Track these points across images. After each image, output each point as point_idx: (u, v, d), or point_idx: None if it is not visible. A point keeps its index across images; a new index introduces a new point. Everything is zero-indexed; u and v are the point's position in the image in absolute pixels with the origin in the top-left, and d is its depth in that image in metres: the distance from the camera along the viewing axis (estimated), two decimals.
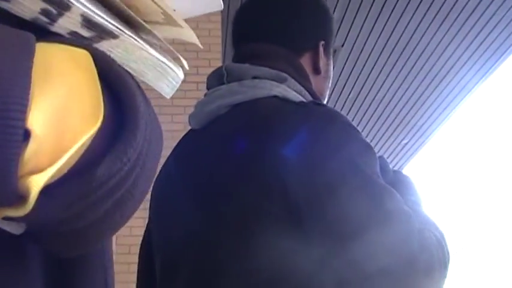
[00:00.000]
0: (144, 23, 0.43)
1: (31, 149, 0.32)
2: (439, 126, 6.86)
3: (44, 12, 0.36)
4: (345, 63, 5.44)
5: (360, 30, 4.97)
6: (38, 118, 0.32)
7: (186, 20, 0.52)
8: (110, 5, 0.40)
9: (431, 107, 6.31)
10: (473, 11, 4.77)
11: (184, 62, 0.47)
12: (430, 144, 7.41)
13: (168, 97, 0.47)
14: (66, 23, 0.38)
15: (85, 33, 0.39)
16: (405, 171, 8.14)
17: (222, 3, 0.49)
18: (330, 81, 1.21)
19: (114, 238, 4.13)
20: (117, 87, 0.37)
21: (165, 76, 0.45)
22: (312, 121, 0.98)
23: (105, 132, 0.36)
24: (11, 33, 0.33)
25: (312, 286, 0.91)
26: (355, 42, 5.13)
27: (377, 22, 4.88)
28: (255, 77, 1.08)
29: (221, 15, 4.57)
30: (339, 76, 5.63)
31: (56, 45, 0.36)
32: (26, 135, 0.32)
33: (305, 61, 1.16)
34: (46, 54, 0.34)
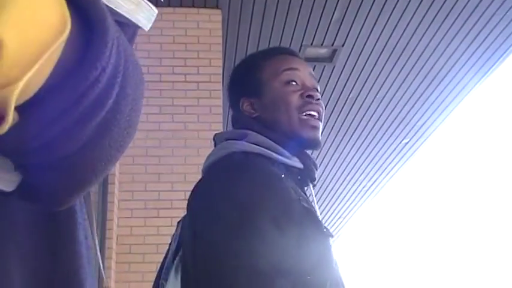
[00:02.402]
0: None
1: (1, 61, 0.32)
2: (439, 126, 6.86)
3: None
4: (345, 63, 5.44)
5: (360, 30, 4.98)
6: (5, 30, 0.32)
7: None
8: None
9: (432, 106, 6.31)
10: (472, 11, 4.78)
11: (153, 7, 0.50)
12: (430, 143, 7.41)
13: (146, 29, 0.49)
14: None
15: None
16: (405, 170, 8.15)
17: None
18: (282, 106, 1.32)
19: (114, 238, 4.14)
20: (83, 3, 0.38)
21: (140, 8, 0.47)
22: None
23: (76, 44, 0.37)
24: None
25: None
26: (355, 42, 5.13)
27: (377, 22, 4.88)
28: (227, 139, 1.31)
29: (221, 15, 4.57)
30: (339, 76, 5.63)
31: None
32: None
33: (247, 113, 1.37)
34: None
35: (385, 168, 7.95)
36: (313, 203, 1.28)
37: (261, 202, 1.13)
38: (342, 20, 4.82)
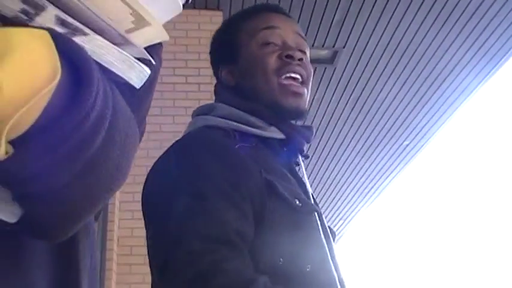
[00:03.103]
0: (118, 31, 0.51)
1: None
2: (440, 128, 6.85)
3: (23, 11, 0.44)
4: (347, 65, 5.44)
5: (361, 32, 4.98)
6: (4, 76, 0.37)
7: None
8: (80, 13, 0.48)
9: (433, 108, 6.31)
10: (474, 13, 4.77)
11: (151, 59, 0.55)
12: (431, 146, 7.41)
13: (137, 86, 0.54)
14: (42, 21, 0.45)
15: (59, 29, 0.46)
16: (407, 173, 8.14)
17: (181, 5, 0.56)
18: (259, 71, 1.19)
19: (115, 239, 4.13)
20: (73, 57, 0.44)
21: (132, 69, 0.52)
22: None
23: (64, 90, 0.42)
24: None
25: None
26: (356, 44, 5.13)
27: (378, 24, 4.88)
28: (197, 115, 1.23)
29: (223, 16, 4.57)
30: (341, 78, 5.63)
31: (18, 27, 0.42)
32: None
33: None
34: (8, 31, 0.40)
35: (386, 170, 7.95)
36: (303, 178, 1.18)
37: (208, 176, 1.02)
38: (343, 21, 4.82)
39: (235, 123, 1.14)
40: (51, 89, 0.40)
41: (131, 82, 0.52)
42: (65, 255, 0.55)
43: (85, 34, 0.47)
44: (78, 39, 0.47)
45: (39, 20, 0.45)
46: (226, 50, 1.26)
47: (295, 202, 1.05)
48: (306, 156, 1.24)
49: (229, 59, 1.24)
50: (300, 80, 1.19)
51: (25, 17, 0.44)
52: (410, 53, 5.30)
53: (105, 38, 0.50)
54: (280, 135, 1.16)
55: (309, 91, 1.22)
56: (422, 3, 4.62)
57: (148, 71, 0.53)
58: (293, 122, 1.21)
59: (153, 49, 0.73)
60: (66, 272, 0.55)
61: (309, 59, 1.25)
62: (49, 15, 0.45)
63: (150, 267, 1.04)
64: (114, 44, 0.51)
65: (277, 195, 1.03)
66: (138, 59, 0.53)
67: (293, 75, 1.17)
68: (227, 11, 4.58)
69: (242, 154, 1.07)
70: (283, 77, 1.17)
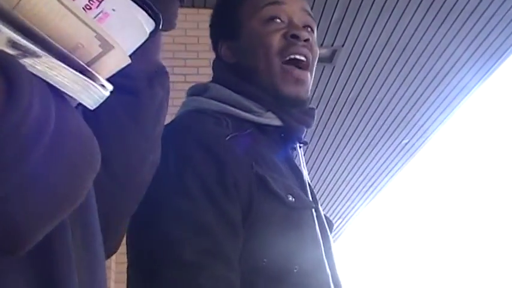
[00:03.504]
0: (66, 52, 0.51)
1: None
2: (440, 126, 6.85)
3: None
4: (345, 63, 5.43)
5: (360, 30, 4.97)
6: None
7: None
8: (36, 38, 0.49)
9: (432, 106, 6.30)
10: (473, 11, 4.77)
11: (106, 84, 0.54)
12: (430, 144, 7.41)
13: (90, 108, 0.53)
14: None
15: (10, 51, 0.47)
16: (405, 171, 8.14)
17: (147, 33, 0.56)
18: (261, 50, 1.11)
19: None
20: (8, 71, 0.44)
21: (85, 89, 0.51)
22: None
23: None
24: None
25: None
26: (355, 42, 5.12)
27: (377, 22, 4.87)
28: (191, 94, 1.15)
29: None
30: (339, 76, 5.62)
31: None
32: None
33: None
34: None
35: (385, 169, 7.95)
36: (298, 165, 1.11)
37: (195, 171, 0.95)
38: (342, 20, 4.81)
39: (229, 107, 1.07)
40: None
41: (84, 103, 0.52)
42: (39, 260, 0.52)
43: (37, 56, 0.48)
44: (28, 61, 0.47)
45: None
46: (226, 24, 1.17)
47: (288, 198, 0.99)
48: (305, 143, 1.16)
49: (229, 34, 1.15)
50: (305, 61, 1.10)
51: None
52: (409, 51, 5.30)
53: (69, 65, 0.50)
54: (277, 122, 1.09)
55: (312, 75, 1.14)
56: (421, 1, 4.62)
57: (106, 94, 0.53)
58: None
59: (157, 79, 0.74)
60: (46, 273, 0.52)
61: (315, 38, 1.18)
62: (1, 38, 0.46)
63: (130, 264, 0.99)
64: (95, 59, 0.52)
65: (268, 191, 0.97)
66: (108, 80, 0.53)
67: (298, 56, 1.09)
68: None
69: (233, 146, 0.99)
70: (287, 58, 1.09)
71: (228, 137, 0.99)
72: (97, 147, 0.52)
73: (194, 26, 4.48)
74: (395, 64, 5.49)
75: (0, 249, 0.46)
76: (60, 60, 0.49)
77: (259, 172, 0.97)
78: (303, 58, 1.10)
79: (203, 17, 4.54)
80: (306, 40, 1.11)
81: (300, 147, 1.15)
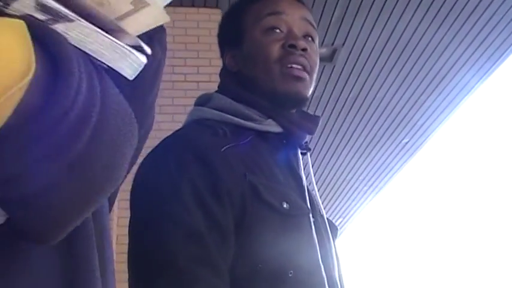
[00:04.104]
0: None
1: None
2: (440, 126, 6.85)
3: None
4: (345, 63, 5.43)
5: (360, 30, 4.97)
6: None
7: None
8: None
9: (432, 106, 6.30)
10: (473, 10, 4.77)
11: (146, 48, 0.49)
12: (430, 143, 7.41)
13: (130, 78, 0.48)
14: (20, 7, 0.41)
15: (40, 16, 0.41)
16: (405, 171, 8.14)
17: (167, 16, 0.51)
18: (261, 59, 1.14)
19: (114, 237, 4.13)
20: (52, 48, 0.39)
21: (124, 58, 0.47)
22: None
23: (40, 87, 0.38)
24: None
25: None
26: (355, 41, 5.12)
27: (377, 22, 4.87)
28: (196, 104, 1.18)
29: (221, 14, 4.56)
30: (340, 75, 5.62)
31: None
32: None
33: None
34: None
35: (386, 168, 7.95)
36: (299, 171, 1.13)
37: (189, 181, 0.97)
38: (342, 19, 4.81)
39: (229, 116, 1.10)
40: (23, 87, 0.36)
41: (123, 73, 0.48)
42: (69, 256, 0.50)
43: (69, 20, 0.43)
44: (60, 27, 0.42)
45: (17, 5, 0.41)
46: (231, 33, 1.21)
47: (283, 205, 1.01)
48: (307, 149, 1.18)
49: (233, 42, 1.19)
50: (301, 68, 1.13)
51: (0, 3, 0.40)
52: (409, 50, 5.30)
53: (95, 24, 0.45)
54: (277, 129, 1.12)
55: (313, 80, 1.17)
56: (421, 1, 4.62)
57: (144, 60, 0.49)
58: (293, 111, 1.16)
59: (155, 37, 0.68)
60: (76, 274, 0.51)
61: (316, 46, 1.20)
62: (28, 0, 0.41)
63: (128, 267, 1.01)
64: (106, 31, 0.46)
65: (260, 200, 0.99)
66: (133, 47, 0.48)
67: (294, 65, 1.12)
68: (225, 9, 4.56)
69: (228, 156, 1.01)
70: (285, 67, 1.11)
71: (224, 148, 1.02)
72: (135, 121, 0.48)
73: (194, 25, 4.48)
74: (395, 64, 5.49)
75: (40, 234, 0.44)
76: (88, 20, 0.44)
77: (253, 181, 1.00)
78: (299, 67, 1.13)
79: (203, 16, 4.54)
80: (304, 49, 1.13)
81: (303, 153, 1.17)
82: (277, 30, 1.14)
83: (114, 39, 0.45)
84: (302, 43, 1.13)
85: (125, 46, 0.46)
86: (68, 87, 0.39)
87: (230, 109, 1.11)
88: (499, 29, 5.02)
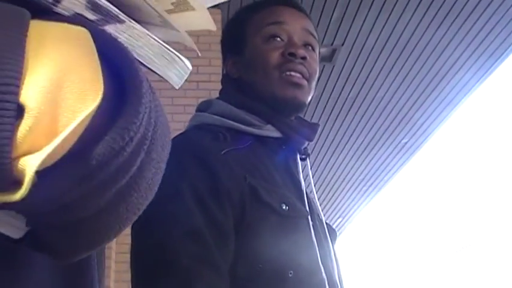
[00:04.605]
0: (154, 11, 0.42)
1: (25, 126, 0.29)
2: (439, 126, 6.86)
3: None
4: (345, 62, 5.44)
5: (360, 30, 4.97)
6: (32, 92, 0.29)
7: None
8: None
9: (431, 106, 6.31)
10: (472, 10, 4.77)
11: (187, 62, 0.46)
12: (430, 143, 7.41)
13: (177, 87, 0.46)
14: (70, 5, 0.37)
15: (90, 16, 0.38)
16: (405, 171, 8.14)
17: (214, 23, 0.49)
18: (260, 66, 1.17)
19: None
20: (118, 62, 0.35)
21: (172, 65, 0.44)
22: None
23: (106, 109, 0.34)
24: (5, 8, 0.32)
25: None
26: (355, 41, 5.12)
27: (377, 21, 4.87)
28: (197, 110, 1.21)
29: (221, 14, 4.56)
30: (339, 75, 5.63)
31: (52, 22, 0.34)
32: (20, 111, 0.29)
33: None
34: (41, 29, 0.32)
35: (385, 168, 7.95)
36: (298, 176, 1.15)
37: (190, 183, 0.99)
38: (342, 19, 4.81)
39: (229, 121, 1.12)
40: (92, 111, 0.32)
41: (171, 82, 0.44)
42: (71, 272, 0.47)
43: (120, 21, 0.39)
44: (111, 28, 0.39)
45: (66, 3, 0.37)
46: (233, 40, 1.25)
47: (282, 207, 1.03)
48: (307, 155, 1.21)
49: (235, 49, 1.22)
50: (301, 77, 1.15)
51: (50, 0, 0.36)
52: (409, 51, 5.30)
53: (140, 18, 0.41)
54: (276, 134, 1.14)
55: (312, 88, 1.19)
56: (421, 0, 4.62)
57: (190, 67, 0.46)
58: (292, 118, 1.19)
59: None
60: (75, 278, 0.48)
61: (316, 55, 1.22)
62: None
63: (131, 270, 1.02)
64: (151, 24, 0.42)
65: (260, 201, 1.01)
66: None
67: (293, 73, 1.14)
68: (225, 9, 4.57)
69: (228, 159, 1.04)
70: (284, 73, 1.14)
71: (224, 151, 1.05)
72: (170, 133, 0.43)
73: None
74: (394, 63, 5.50)
75: (64, 253, 0.40)
76: (135, 15, 0.40)
77: (252, 183, 1.02)
78: (298, 75, 1.15)
79: None
80: (303, 58, 1.16)
81: (302, 159, 1.19)
82: (278, 39, 1.17)
83: (162, 43, 0.42)
84: (301, 51, 1.16)
85: (173, 51, 0.43)
86: (136, 114, 0.35)
87: (230, 115, 1.13)
88: (498, 28, 5.03)
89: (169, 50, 0.43)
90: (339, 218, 9.79)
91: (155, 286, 0.94)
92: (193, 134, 1.13)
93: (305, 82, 1.16)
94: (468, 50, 5.32)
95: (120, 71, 0.35)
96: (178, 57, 0.44)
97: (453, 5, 4.69)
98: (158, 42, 0.42)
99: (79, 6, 0.37)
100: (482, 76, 5.79)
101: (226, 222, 0.98)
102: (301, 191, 1.13)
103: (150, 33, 0.41)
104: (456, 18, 4.86)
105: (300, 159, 1.19)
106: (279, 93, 1.14)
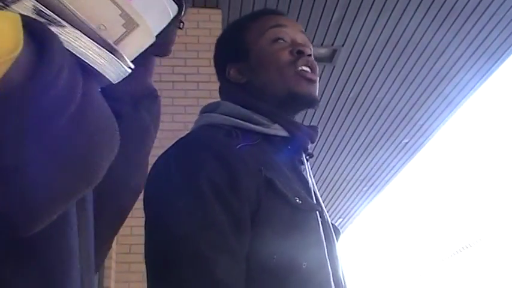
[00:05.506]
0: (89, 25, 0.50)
1: None
2: (440, 126, 6.86)
3: None
4: (346, 63, 5.44)
5: (360, 30, 4.97)
6: None
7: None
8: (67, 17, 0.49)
9: (432, 106, 6.31)
10: (473, 11, 4.77)
11: (130, 64, 0.54)
12: (430, 144, 7.41)
13: (113, 81, 0.53)
14: (19, 9, 0.47)
15: (36, 18, 0.47)
16: (406, 171, 8.14)
17: (171, 15, 0.57)
18: (272, 65, 1.21)
19: (114, 238, 4.14)
20: (40, 37, 0.45)
21: (110, 63, 0.51)
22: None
23: (25, 66, 0.43)
24: None
25: None
26: (355, 41, 5.13)
27: (377, 22, 4.88)
28: (202, 112, 1.25)
29: (221, 15, 4.57)
30: (339, 76, 5.63)
31: None
32: None
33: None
34: None
35: (386, 168, 7.95)
36: (305, 175, 1.19)
37: (207, 176, 1.02)
38: (342, 19, 4.81)
39: (238, 121, 1.16)
40: (8, 60, 0.42)
41: (107, 76, 0.52)
42: (40, 257, 0.51)
43: (62, 26, 0.48)
44: (54, 29, 0.47)
45: (15, 7, 0.46)
46: (234, 48, 1.28)
47: (295, 200, 1.06)
48: (311, 155, 1.25)
49: (238, 57, 1.26)
50: (312, 73, 1.22)
51: (1, 3, 0.46)
52: (409, 51, 5.30)
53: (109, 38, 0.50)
54: (283, 133, 1.18)
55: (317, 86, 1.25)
56: (421, 1, 4.62)
57: (129, 70, 0.53)
58: (298, 121, 1.24)
59: (143, 102, 0.73)
60: (46, 277, 0.51)
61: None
62: (26, 4, 0.47)
63: (147, 267, 1.03)
64: (118, 40, 0.51)
65: (276, 193, 1.04)
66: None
67: (305, 68, 1.21)
68: (226, 9, 4.57)
69: (243, 153, 1.07)
70: (298, 69, 1.20)
71: (238, 146, 1.09)
72: (117, 130, 0.51)
73: (194, 25, 4.48)
74: (395, 64, 5.50)
75: (14, 223, 0.46)
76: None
77: (268, 176, 1.05)
78: (309, 70, 1.22)
79: (203, 16, 4.54)
80: (309, 55, 1.23)
81: (306, 159, 1.23)
82: (281, 41, 1.24)
83: (100, 47, 0.50)
84: (308, 49, 1.23)
85: (110, 54, 0.51)
86: (49, 68, 0.44)
87: (239, 114, 1.17)
88: (499, 29, 5.03)
89: (107, 52, 0.51)
90: (339, 218, 9.79)
91: (175, 277, 0.95)
92: (205, 131, 1.16)
93: (316, 77, 1.23)
94: (468, 51, 5.32)
95: (40, 43, 0.45)
96: (116, 60, 0.51)
97: (453, 5, 4.69)
98: (97, 46, 0.50)
99: (26, 11, 0.47)
100: (482, 76, 5.79)
101: (243, 214, 1.01)
102: (309, 188, 1.16)
103: (89, 39, 0.50)
104: (456, 18, 4.86)
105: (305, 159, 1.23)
106: (295, 89, 1.19)
